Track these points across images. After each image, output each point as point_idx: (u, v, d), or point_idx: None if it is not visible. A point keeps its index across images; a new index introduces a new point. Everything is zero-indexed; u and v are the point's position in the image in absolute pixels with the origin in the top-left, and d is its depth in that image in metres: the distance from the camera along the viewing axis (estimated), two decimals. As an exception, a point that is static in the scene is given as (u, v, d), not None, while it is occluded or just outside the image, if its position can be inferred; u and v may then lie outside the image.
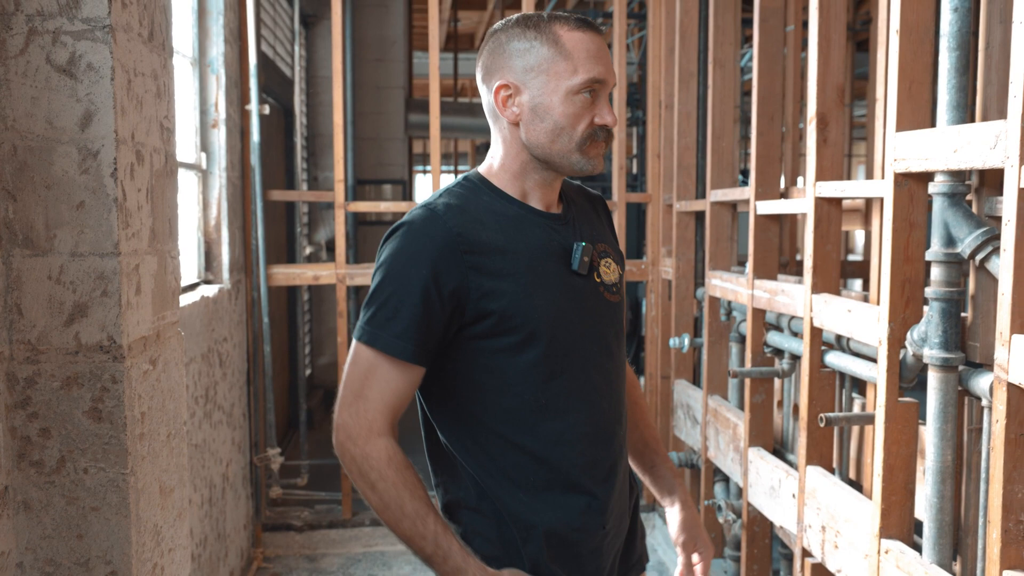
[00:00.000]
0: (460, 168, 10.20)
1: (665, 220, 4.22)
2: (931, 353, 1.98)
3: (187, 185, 3.44)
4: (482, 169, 1.46)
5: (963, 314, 2.04)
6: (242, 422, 3.86)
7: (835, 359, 2.53)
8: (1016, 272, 1.67)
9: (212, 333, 3.30)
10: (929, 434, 2.02)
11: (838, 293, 2.56)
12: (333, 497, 4.45)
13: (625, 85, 4.22)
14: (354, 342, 1.34)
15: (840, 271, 2.65)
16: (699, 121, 3.85)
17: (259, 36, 4.08)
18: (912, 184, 2.08)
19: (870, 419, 2.31)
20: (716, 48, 3.51)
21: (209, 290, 3.37)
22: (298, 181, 5.42)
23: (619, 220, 4.12)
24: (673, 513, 1.64)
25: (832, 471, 2.64)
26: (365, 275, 4.15)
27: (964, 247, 1.90)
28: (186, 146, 3.43)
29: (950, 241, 1.95)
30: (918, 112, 2.06)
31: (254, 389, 4.03)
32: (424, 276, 1.29)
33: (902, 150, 2.05)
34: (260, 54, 4.07)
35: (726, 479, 3.46)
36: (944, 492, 2.00)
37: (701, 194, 3.80)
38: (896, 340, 2.12)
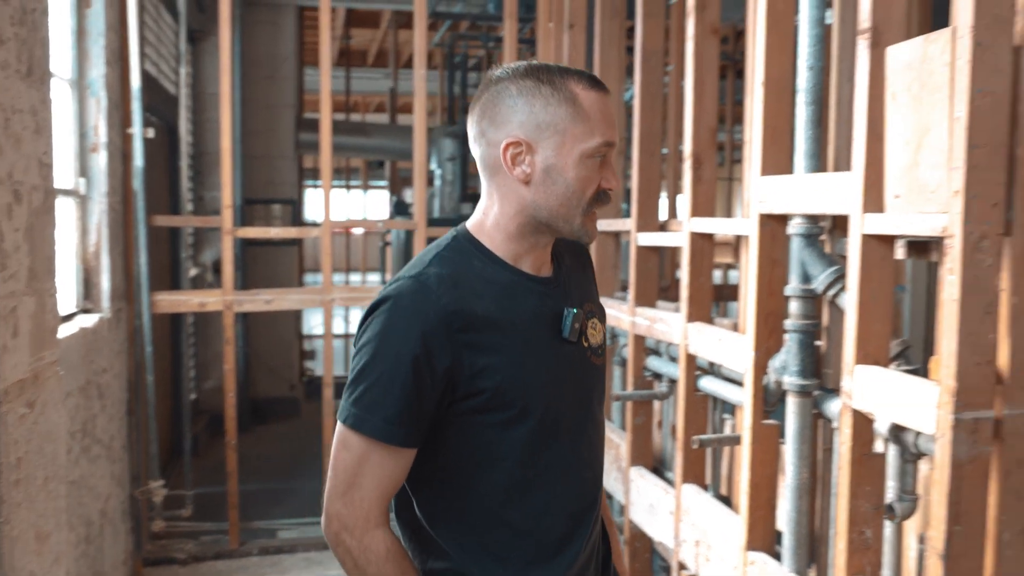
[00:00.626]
0: (352, 184, 10.11)
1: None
2: (790, 380, 2.14)
3: (65, 211, 3.33)
4: (471, 226, 1.34)
5: (818, 343, 2.21)
6: (122, 455, 3.75)
7: (708, 384, 2.69)
8: (859, 308, 1.84)
9: (91, 365, 3.20)
10: (788, 454, 2.18)
11: (710, 322, 2.72)
12: (219, 527, 4.36)
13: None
14: (340, 425, 1.25)
15: (719, 295, 2.81)
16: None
17: (142, 55, 3.99)
18: (774, 224, 2.25)
19: (738, 440, 2.46)
20: (600, 83, 3.66)
21: (88, 320, 3.28)
22: (183, 202, 5.30)
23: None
24: None
25: (706, 488, 2.80)
26: (253, 302, 4.11)
27: (818, 284, 2.07)
28: (64, 172, 3.32)
29: (806, 278, 2.12)
30: (780, 158, 2.23)
31: (136, 420, 3.92)
32: (415, 356, 1.20)
33: (765, 193, 2.21)
34: (143, 74, 3.99)
35: (610, 497, 3.59)
36: (801, 507, 2.17)
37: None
38: (760, 367, 2.28)
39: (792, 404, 2.17)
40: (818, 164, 2.09)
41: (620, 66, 3.71)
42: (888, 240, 1.82)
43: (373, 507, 1.24)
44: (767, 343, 2.27)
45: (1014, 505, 1.65)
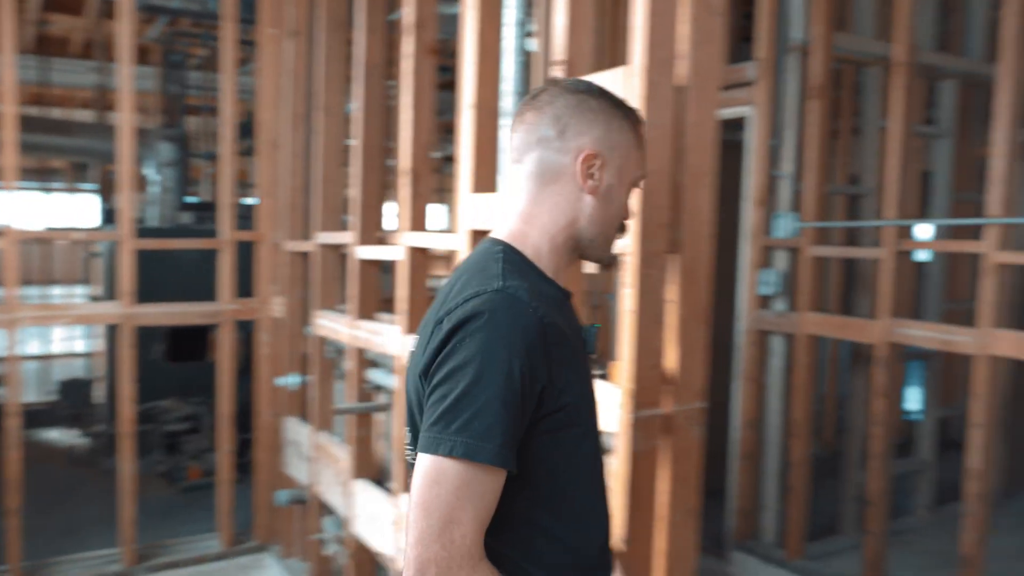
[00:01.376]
0: (54, 186, 9.16)
1: (275, 259, 4.23)
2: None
3: None
4: (510, 237, 1.30)
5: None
6: None
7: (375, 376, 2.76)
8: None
9: None
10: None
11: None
12: None
13: (236, 113, 4.16)
14: (434, 458, 1.14)
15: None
16: (308, 163, 3.95)
17: None
18: (479, 239, 2.37)
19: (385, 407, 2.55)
20: (325, 94, 3.65)
21: None
22: None
23: (228, 259, 4.06)
24: None
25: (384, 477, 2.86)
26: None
27: (522, 295, 2.22)
28: None
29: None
30: (487, 177, 2.36)
31: None
32: (522, 373, 1.14)
33: (474, 210, 2.33)
34: None
35: (332, 512, 3.57)
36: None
37: (309, 234, 3.90)
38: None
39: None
40: (521, 184, 2.24)
41: (342, 78, 3.72)
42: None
43: (476, 541, 1.14)
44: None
45: (680, 489, 1.88)
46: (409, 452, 1.33)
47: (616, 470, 1.82)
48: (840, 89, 5.22)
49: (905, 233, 3.43)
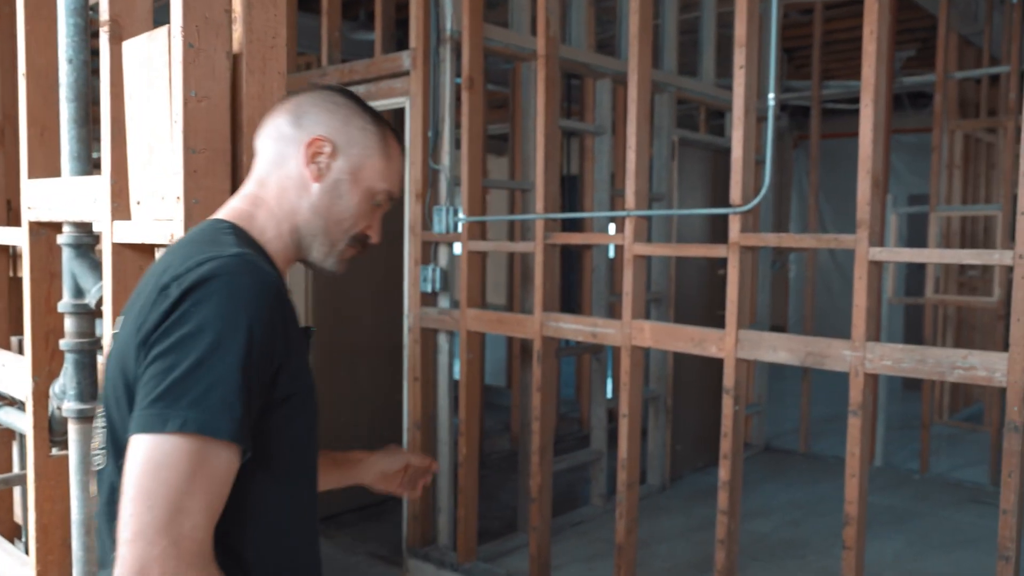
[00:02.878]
0: None
1: None
2: (69, 406, 1.93)
3: None
4: (235, 218, 1.23)
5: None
6: None
7: (4, 415, 2.34)
8: (113, 312, 1.71)
9: None
10: (73, 487, 1.96)
11: (8, 347, 2.38)
12: None
13: None
14: (159, 437, 0.96)
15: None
16: None
17: None
18: (49, 233, 2.02)
19: (22, 479, 2.17)
20: None
21: None
22: None
23: None
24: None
25: (19, 534, 2.44)
26: None
27: (91, 297, 1.89)
28: None
29: (79, 292, 1.93)
30: (50, 159, 2.01)
31: None
32: (258, 343, 1.02)
33: (35, 198, 1.97)
34: None
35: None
36: (89, 544, 1.97)
37: None
38: (42, 394, 2.03)
39: (74, 432, 1.95)
40: (86, 167, 1.91)
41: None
42: (142, 248, 1.72)
43: (207, 538, 0.98)
44: (49, 366, 2.03)
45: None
46: (99, 455, 1.17)
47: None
48: (514, 85, 5.32)
49: (557, 227, 3.49)
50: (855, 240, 2.59)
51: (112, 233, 1.69)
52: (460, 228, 3.69)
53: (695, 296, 5.40)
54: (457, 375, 3.78)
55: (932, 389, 6.64)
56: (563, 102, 6.06)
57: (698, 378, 5.48)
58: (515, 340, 5.99)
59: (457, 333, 3.81)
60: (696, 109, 6.90)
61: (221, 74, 1.54)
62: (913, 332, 8.18)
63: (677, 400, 5.27)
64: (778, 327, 10.99)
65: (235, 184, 1.58)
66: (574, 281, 8.56)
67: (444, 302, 3.84)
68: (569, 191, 6.96)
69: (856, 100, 5.78)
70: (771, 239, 2.87)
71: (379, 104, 4.00)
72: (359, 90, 4.07)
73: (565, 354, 5.05)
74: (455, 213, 3.70)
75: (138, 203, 1.66)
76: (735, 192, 2.87)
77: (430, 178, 3.81)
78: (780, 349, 2.78)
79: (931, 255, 2.55)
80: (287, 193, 1.23)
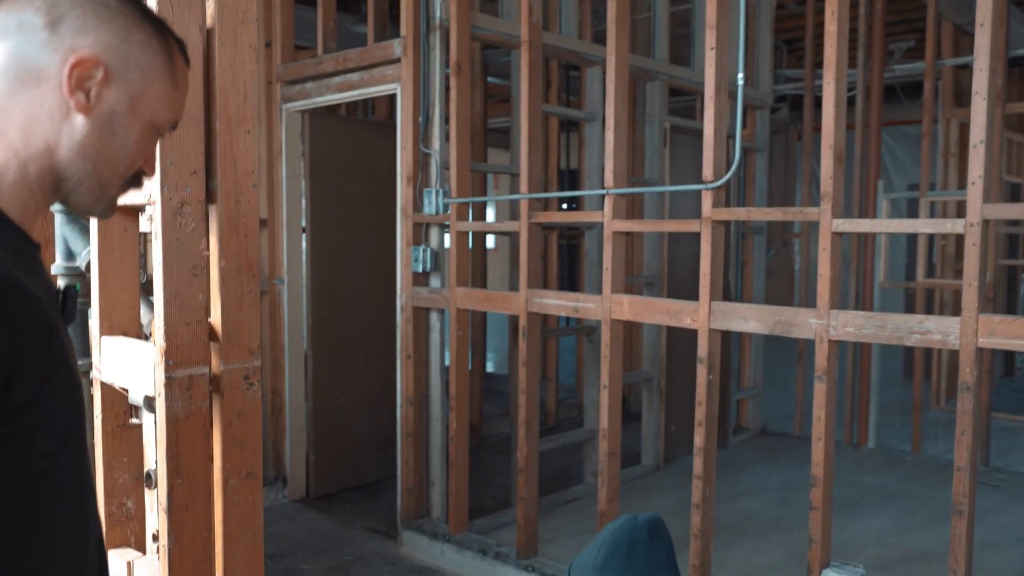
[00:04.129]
0: None
1: None
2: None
3: None
4: None
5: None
6: None
7: None
8: (101, 279, 1.84)
9: None
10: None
11: None
12: None
13: None
14: None
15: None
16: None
17: None
18: (45, 202, 2.14)
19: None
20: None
21: None
22: None
23: None
24: None
25: None
26: None
27: (81, 260, 2.03)
28: None
29: (70, 255, 2.06)
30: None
31: None
32: None
33: None
34: None
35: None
36: None
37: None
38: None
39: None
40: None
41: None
42: (125, 210, 1.85)
43: None
44: None
45: (237, 452, 1.79)
46: None
47: (156, 436, 1.70)
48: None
49: (540, 207, 3.60)
50: (819, 212, 2.69)
51: (98, 196, 1.82)
52: (448, 209, 3.81)
53: (687, 280, 5.49)
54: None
55: (927, 374, 6.69)
56: (561, 93, 6.18)
57: (692, 360, 5.57)
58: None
59: (442, 312, 3.94)
60: (693, 101, 7.00)
61: (195, 47, 1.66)
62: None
63: (671, 382, 5.37)
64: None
65: (209, 149, 1.71)
66: (576, 272, 8.67)
67: (435, 282, 3.96)
68: (569, 186, 7.07)
69: (851, 89, 5.85)
70: (740, 213, 2.97)
71: (372, 90, 4.13)
72: (352, 78, 4.20)
73: (561, 334, 5.16)
74: (444, 195, 3.82)
75: (121, 167, 1.79)
76: (707, 169, 2.97)
77: (421, 162, 3.93)
78: (751, 319, 2.88)
79: (888, 225, 2.64)
80: (39, 124, 0.93)
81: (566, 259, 8.97)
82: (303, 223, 4.77)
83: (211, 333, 1.74)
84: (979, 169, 2.38)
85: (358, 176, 4.88)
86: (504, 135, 10.91)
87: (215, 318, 1.74)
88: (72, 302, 1.03)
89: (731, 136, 4.52)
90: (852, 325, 2.63)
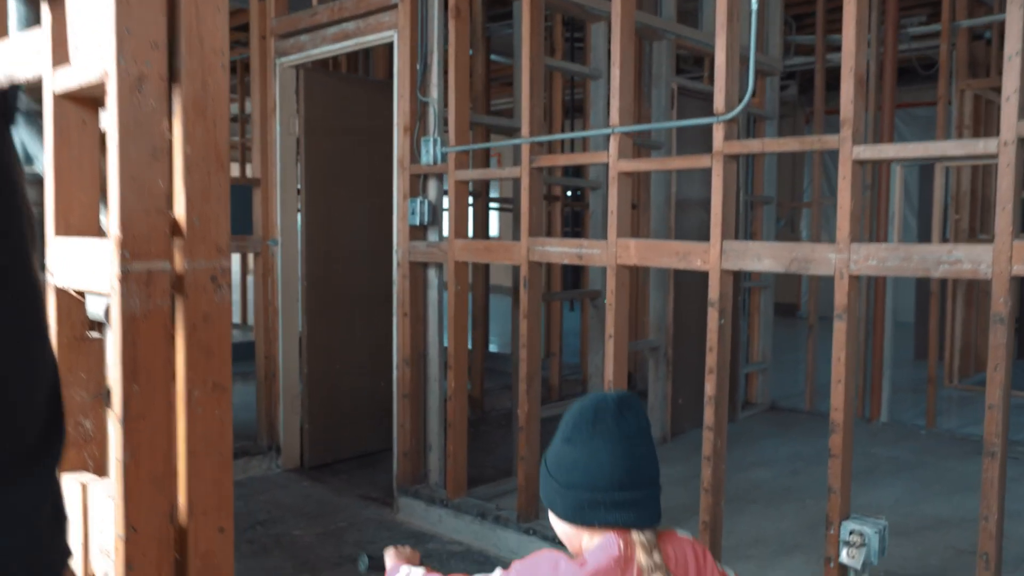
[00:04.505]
0: None
1: None
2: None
3: None
4: None
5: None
6: None
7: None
8: (56, 175, 1.68)
9: None
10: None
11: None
12: None
13: None
14: None
15: None
16: None
17: None
18: (4, 107, 1.99)
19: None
20: None
21: None
22: None
23: None
24: None
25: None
26: None
27: (39, 164, 1.88)
28: None
29: (29, 159, 1.91)
30: None
31: None
32: None
33: (-11, 69, 1.94)
34: None
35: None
36: None
37: None
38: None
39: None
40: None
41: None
42: (83, 100, 1.69)
43: None
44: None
45: (202, 361, 1.63)
46: None
47: (111, 337, 1.54)
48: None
49: (542, 151, 3.44)
50: (839, 140, 2.51)
51: (54, 82, 1.66)
52: (445, 159, 3.64)
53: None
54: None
55: (941, 352, 6.51)
56: (569, 55, 6.02)
57: (700, 331, 5.40)
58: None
59: (441, 267, 3.77)
60: (701, 65, 6.83)
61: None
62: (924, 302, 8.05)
63: (678, 352, 5.19)
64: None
65: (173, 24, 1.55)
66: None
67: (433, 236, 3.80)
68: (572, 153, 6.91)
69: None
70: (754, 145, 2.81)
71: (368, 39, 3.97)
72: (348, 27, 4.04)
73: (565, 297, 4.99)
74: (442, 144, 3.66)
75: (76, 49, 1.63)
76: (719, 100, 2.80)
77: (418, 111, 3.77)
78: (765, 257, 2.71)
79: (915, 149, 2.47)
80: None
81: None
82: (298, 183, 4.61)
83: (175, 228, 1.58)
84: (1014, 83, 2.21)
85: (356, 135, 4.72)
86: (507, 118, 10.75)
87: (179, 211, 1.58)
88: (13, 101, 0.88)
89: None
90: (875, 258, 2.46)
